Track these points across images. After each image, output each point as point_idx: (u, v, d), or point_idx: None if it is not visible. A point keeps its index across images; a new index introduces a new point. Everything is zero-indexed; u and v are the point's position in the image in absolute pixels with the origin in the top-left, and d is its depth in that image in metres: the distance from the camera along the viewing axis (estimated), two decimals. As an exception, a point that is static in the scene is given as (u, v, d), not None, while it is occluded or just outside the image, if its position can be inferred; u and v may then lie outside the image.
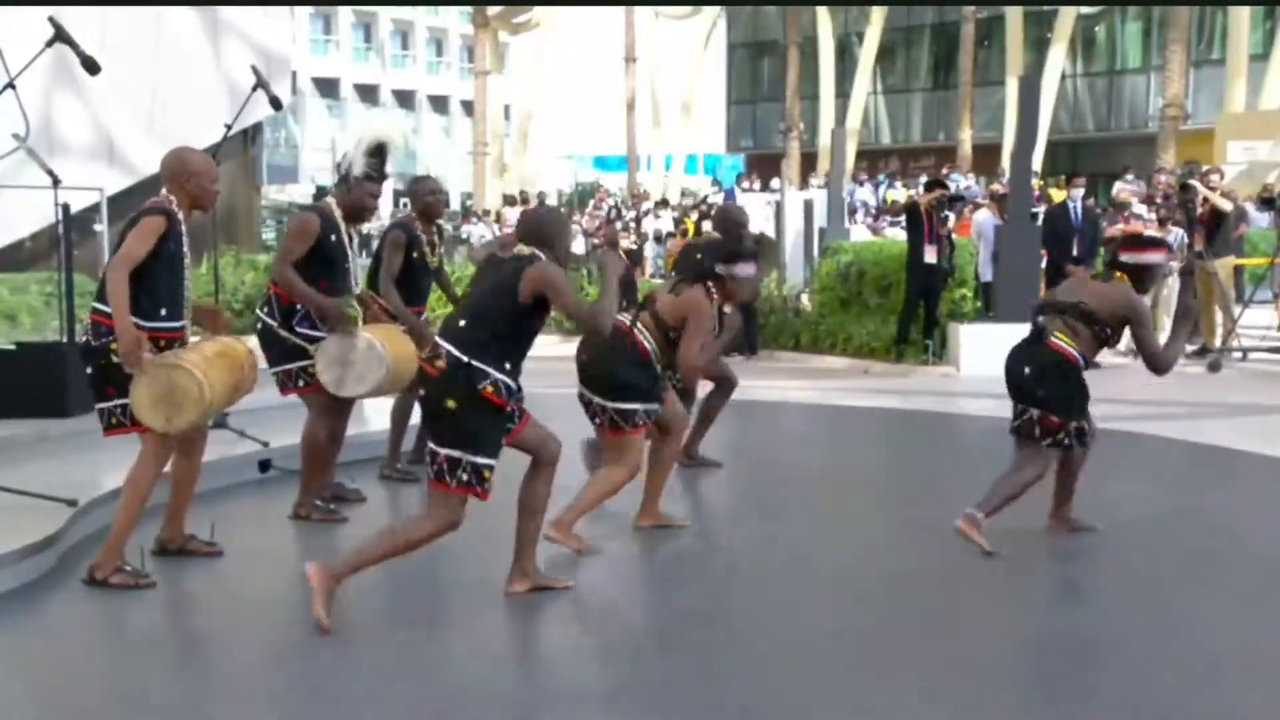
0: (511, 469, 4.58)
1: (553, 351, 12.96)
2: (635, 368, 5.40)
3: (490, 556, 5.10)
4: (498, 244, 4.91)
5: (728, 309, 5.95)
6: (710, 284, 5.66)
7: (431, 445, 4.37)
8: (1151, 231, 5.83)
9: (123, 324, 4.61)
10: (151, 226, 4.73)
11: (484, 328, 4.33)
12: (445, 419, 4.31)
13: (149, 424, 4.72)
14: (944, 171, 23.76)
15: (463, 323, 4.37)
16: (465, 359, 4.28)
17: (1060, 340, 5.37)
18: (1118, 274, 5.45)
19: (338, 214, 5.86)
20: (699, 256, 7.08)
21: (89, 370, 4.84)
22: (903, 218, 14.17)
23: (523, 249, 4.47)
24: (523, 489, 4.68)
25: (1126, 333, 5.50)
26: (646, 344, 5.47)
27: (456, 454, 4.29)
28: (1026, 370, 5.42)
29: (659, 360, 5.52)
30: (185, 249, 4.89)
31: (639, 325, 5.50)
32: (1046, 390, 5.35)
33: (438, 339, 4.38)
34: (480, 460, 4.31)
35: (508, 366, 4.35)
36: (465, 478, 4.30)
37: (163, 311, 4.81)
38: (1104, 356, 11.61)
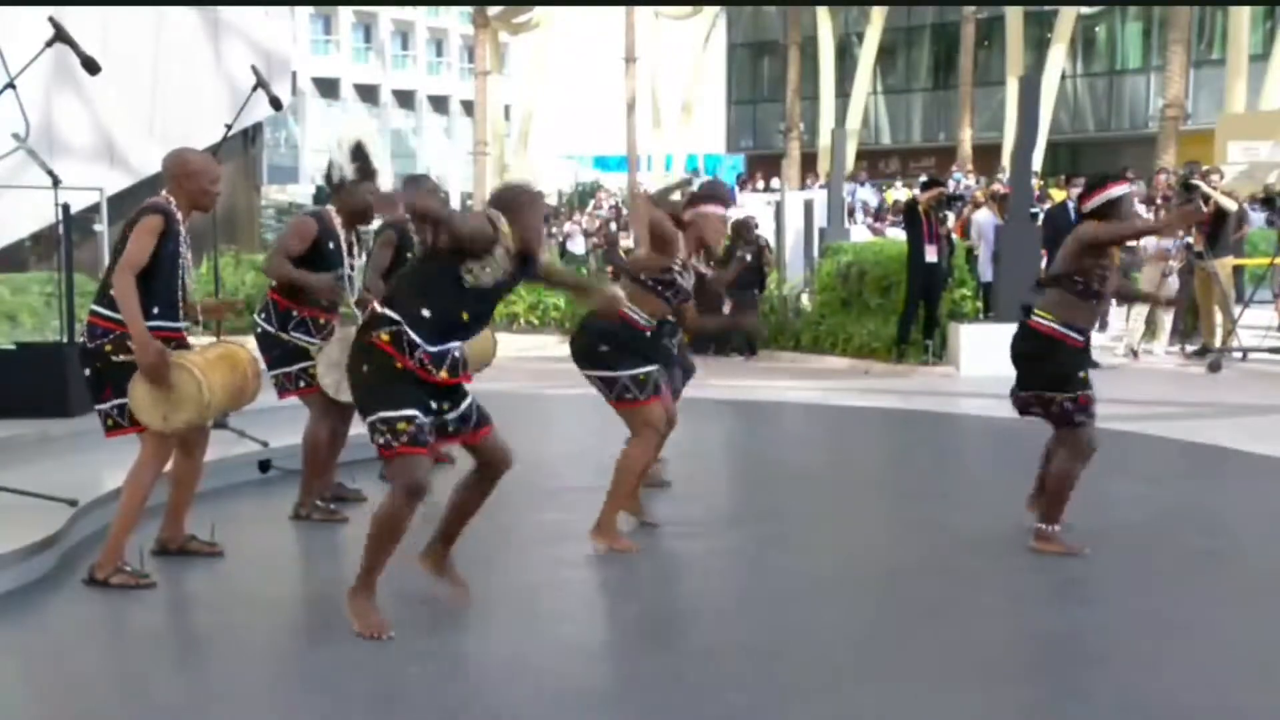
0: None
1: (553, 351, 12.98)
2: (629, 335, 5.34)
3: (490, 557, 5.10)
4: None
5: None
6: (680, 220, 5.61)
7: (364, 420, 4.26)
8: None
9: (139, 332, 4.62)
10: (150, 226, 4.73)
11: (414, 292, 4.20)
12: (359, 382, 4.22)
13: (146, 422, 4.72)
14: (952, 169, 23.78)
15: (394, 293, 4.29)
16: (401, 325, 4.16)
17: (1041, 317, 5.29)
18: (1094, 223, 5.28)
19: (337, 221, 5.86)
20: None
21: (86, 372, 4.84)
22: (902, 217, 14.18)
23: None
24: (464, 486, 4.56)
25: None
26: (636, 317, 5.39)
27: (370, 418, 4.16)
28: (1017, 354, 5.41)
29: (652, 324, 5.45)
30: (185, 249, 4.89)
31: (631, 310, 5.44)
32: (1050, 375, 5.28)
33: (377, 305, 4.31)
34: (389, 414, 4.11)
35: (425, 315, 4.16)
36: (382, 440, 4.13)
37: (156, 310, 4.79)
38: (1104, 357, 11.66)
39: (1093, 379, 5.41)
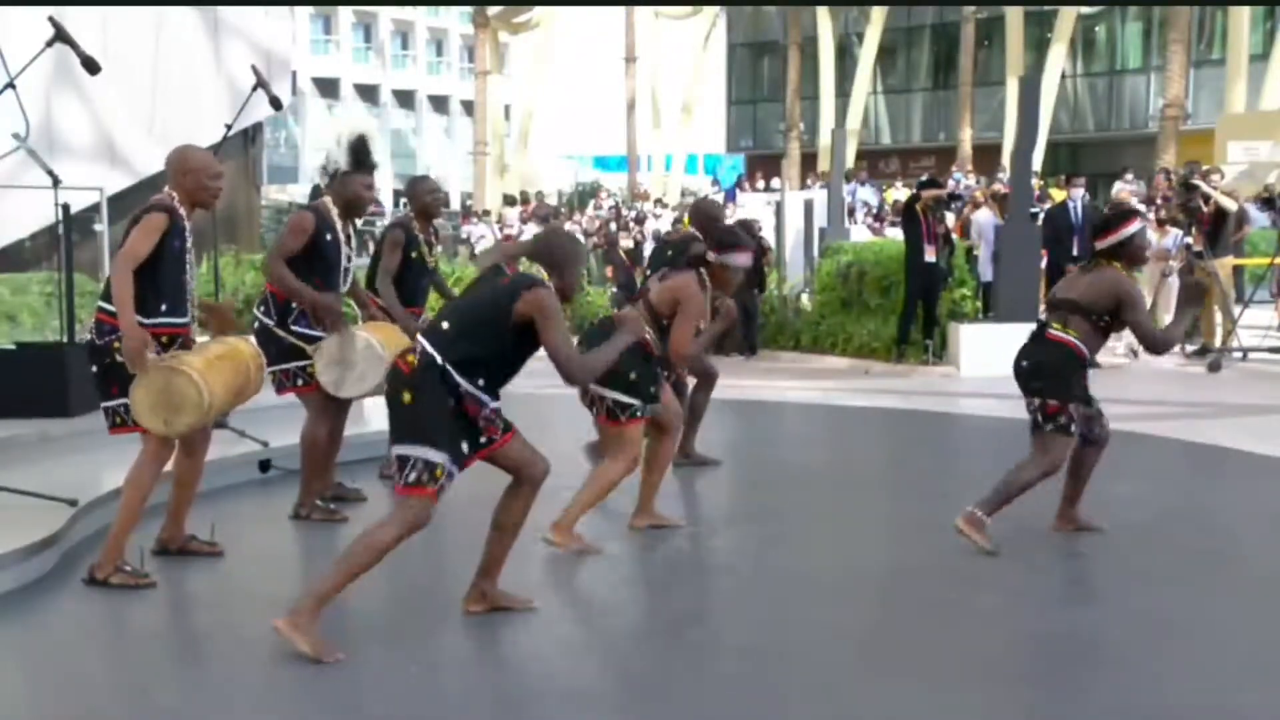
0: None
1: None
2: (634, 360, 5.30)
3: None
4: (501, 253, 4.73)
5: (722, 300, 5.91)
6: (702, 271, 5.63)
7: (390, 446, 4.15)
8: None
9: (127, 322, 4.61)
10: (154, 223, 4.73)
11: (467, 340, 4.09)
12: (400, 412, 4.07)
13: (148, 426, 4.73)
14: (952, 169, 23.77)
15: (446, 326, 4.14)
16: (440, 360, 4.07)
17: (1058, 330, 5.35)
18: (1103, 262, 5.39)
19: (334, 213, 5.85)
20: (669, 253, 7.09)
21: (94, 369, 4.85)
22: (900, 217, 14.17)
23: (526, 267, 4.34)
24: (500, 506, 4.45)
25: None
26: (646, 336, 5.39)
27: (405, 450, 4.04)
28: (1025, 363, 5.42)
29: (657, 349, 5.48)
30: (190, 246, 4.90)
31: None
32: (1044, 379, 5.32)
33: (419, 337, 4.20)
34: (430, 455, 4.02)
35: (481, 383, 4.13)
36: (414, 477, 4.02)
37: (164, 307, 4.81)
38: (1104, 357, 11.65)
39: (1093, 382, 5.44)
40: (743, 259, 5.71)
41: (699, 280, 5.57)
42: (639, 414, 5.39)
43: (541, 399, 8.41)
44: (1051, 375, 5.34)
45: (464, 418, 4.13)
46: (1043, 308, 5.56)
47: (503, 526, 4.45)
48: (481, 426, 4.18)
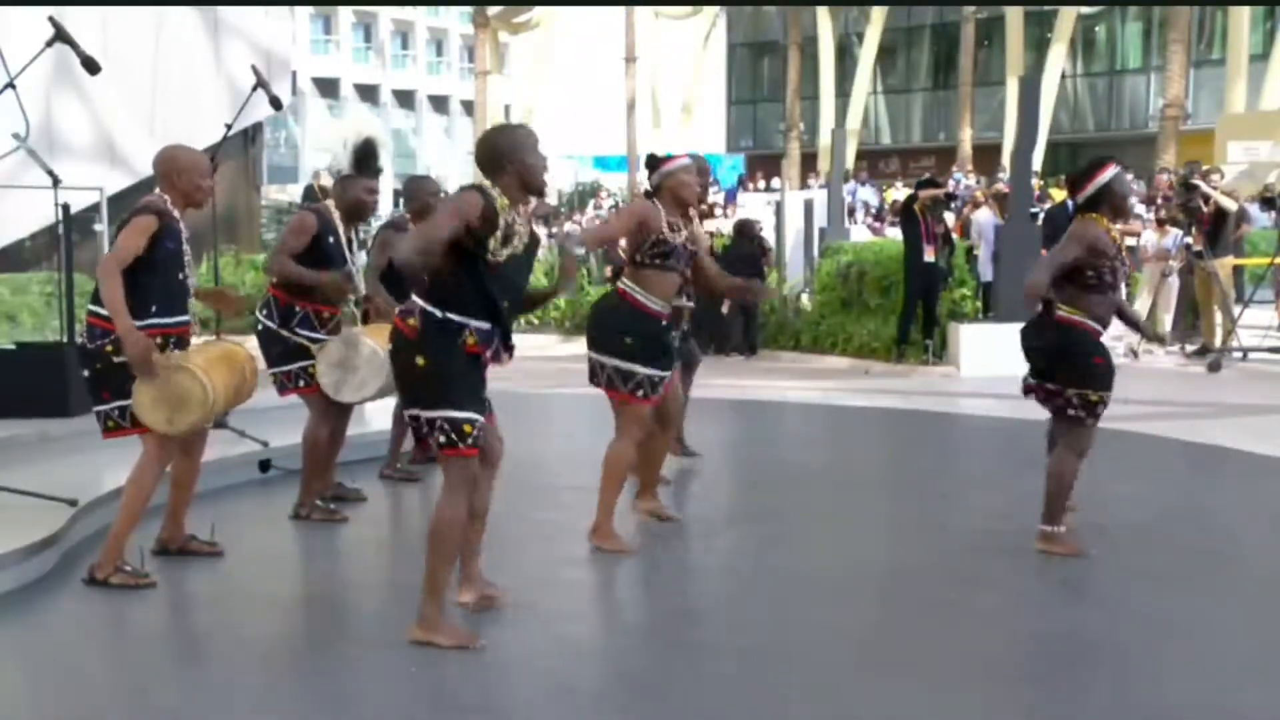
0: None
1: (554, 351, 12.98)
2: (631, 323, 5.25)
3: (488, 556, 5.10)
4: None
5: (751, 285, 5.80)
6: (655, 201, 5.44)
7: (407, 410, 4.08)
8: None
9: (125, 327, 4.58)
10: (142, 225, 4.72)
11: (438, 273, 3.96)
12: (416, 377, 4.01)
13: (150, 424, 4.72)
14: (953, 170, 23.76)
15: (427, 276, 4.03)
16: (440, 314, 3.98)
17: (1064, 310, 5.20)
18: (1086, 216, 5.22)
19: (336, 216, 5.85)
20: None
21: (85, 373, 4.83)
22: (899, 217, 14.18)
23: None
24: None
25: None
26: (645, 301, 5.29)
27: (431, 414, 3.99)
28: (1034, 344, 5.29)
29: (667, 308, 5.35)
30: (185, 247, 4.89)
31: (625, 282, 5.37)
32: (1045, 357, 5.22)
33: (414, 296, 4.08)
34: (456, 414, 3.99)
35: (484, 312, 4.03)
36: (443, 439, 4.01)
37: (153, 308, 4.79)
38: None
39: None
40: (677, 162, 5.53)
41: (650, 203, 5.41)
42: (644, 391, 5.28)
43: (542, 399, 8.41)
44: (1055, 357, 5.19)
45: (475, 367, 4.07)
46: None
47: (472, 513, 4.35)
48: (485, 361, 4.09)
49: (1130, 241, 14.34)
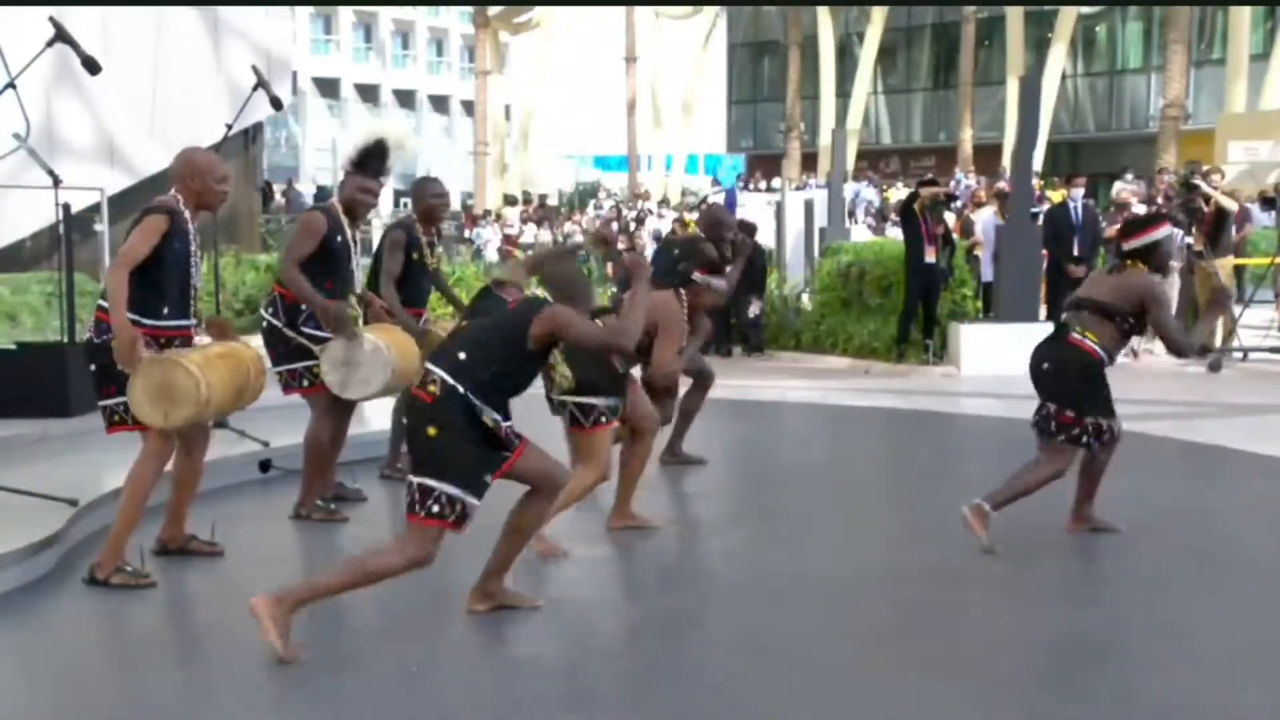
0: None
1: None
2: (588, 361, 5.26)
3: (488, 556, 5.10)
4: (509, 270, 4.64)
5: (699, 322, 5.95)
6: (681, 289, 5.67)
7: (410, 475, 4.11)
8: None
9: (119, 320, 4.60)
10: (154, 225, 4.73)
11: (486, 366, 4.07)
12: (425, 445, 4.06)
13: (147, 420, 4.72)
14: (955, 170, 23.76)
15: (463, 356, 4.09)
16: (461, 389, 4.03)
17: (1081, 335, 5.31)
18: (1129, 263, 5.37)
19: (342, 215, 5.86)
20: (676, 252, 7.10)
21: (91, 368, 4.85)
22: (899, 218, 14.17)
23: (535, 291, 4.31)
24: (516, 510, 4.45)
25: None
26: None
27: (431, 483, 4.02)
28: (1045, 366, 5.38)
29: (621, 366, 5.42)
30: (195, 248, 4.90)
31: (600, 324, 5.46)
32: (1063, 387, 5.31)
33: (430, 365, 4.14)
34: (454, 492, 4.03)
35: (499, 404, 4.14)
36: (437, 510, 4.02)
37: (165, 310, 4.81)
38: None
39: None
40: (722, 284, 5.83)
41: (676, 296, 5.61)
42: (603, 419, 5.32)
43: (541, 399, 8.41)
44: (1072, 384, 5.30)
45: (487, 442, 4.12)
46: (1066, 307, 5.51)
47: (517, 529, 4.45)
48: (503, 444, 4.17)
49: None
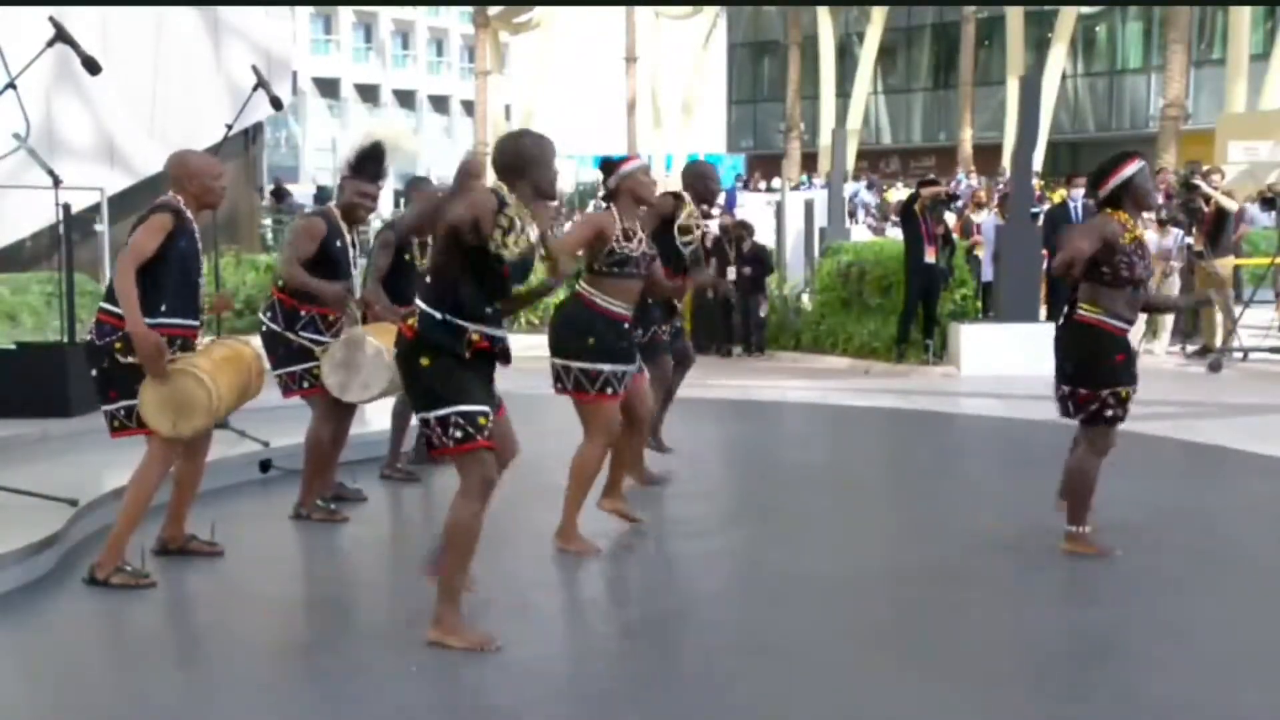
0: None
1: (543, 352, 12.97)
2: (595, 324, 5.27)
3: (487, 556, 5.10)
4: (462, 173, 4.41)
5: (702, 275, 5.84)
6: (611, 206, 5.48)
7: (417, 415, 4.07)
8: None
9: (135, 322, 4.59)
10: (159, 224, 4.74)
11: (451, 284, 3.99)
12: (421, 378, 4.01)
13: (155, 428, 4.72)
14: (956, 171, 23.74)
15: (429, 281, 4.07)
16: (439, 315, 3.99)
17: (1085, 310, 5.20)
18: (1107, 212, 5.21)
19: (340, 219, 5.86)
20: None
21: (93, 371, 4.83)
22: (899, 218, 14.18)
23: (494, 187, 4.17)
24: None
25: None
26: (605, 304, 5.32)
27: (443, 412, 3.98)
28: (1056, 351, 5.30)
29: (630, 311, 5.37)
30: (199, 247, 4.91)
31: (583, 286, 5.39)
32: (1071, 365, 5.21)
33: (416, 300, 4.09)
34: (469, 408, 3.98)
35: (488, 312, 4.05)
36: (459, 434, 3.98)
37: (164, 307, 4.80)
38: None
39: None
40: (633, 163, 5.59)
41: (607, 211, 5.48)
42: (609, 389, 5.29)
43: (541, 399, 8.42)
44: (1075, 358, 5.20)
45: (480, 363, 4.07)
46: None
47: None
48: (494, 355, 4.10)
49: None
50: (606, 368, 5.27)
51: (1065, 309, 5.32)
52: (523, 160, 4.17)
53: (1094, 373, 5.18)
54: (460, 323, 4.01)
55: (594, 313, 5.32)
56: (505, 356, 4.17)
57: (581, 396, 5.30)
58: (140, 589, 4.79)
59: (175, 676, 4.10)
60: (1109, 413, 5.20)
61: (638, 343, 6.26)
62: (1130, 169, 5.20)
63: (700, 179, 7.01)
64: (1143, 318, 12.73)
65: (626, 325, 5.40)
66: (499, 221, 3.98)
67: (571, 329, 5.33)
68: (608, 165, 5.59)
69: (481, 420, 4.01)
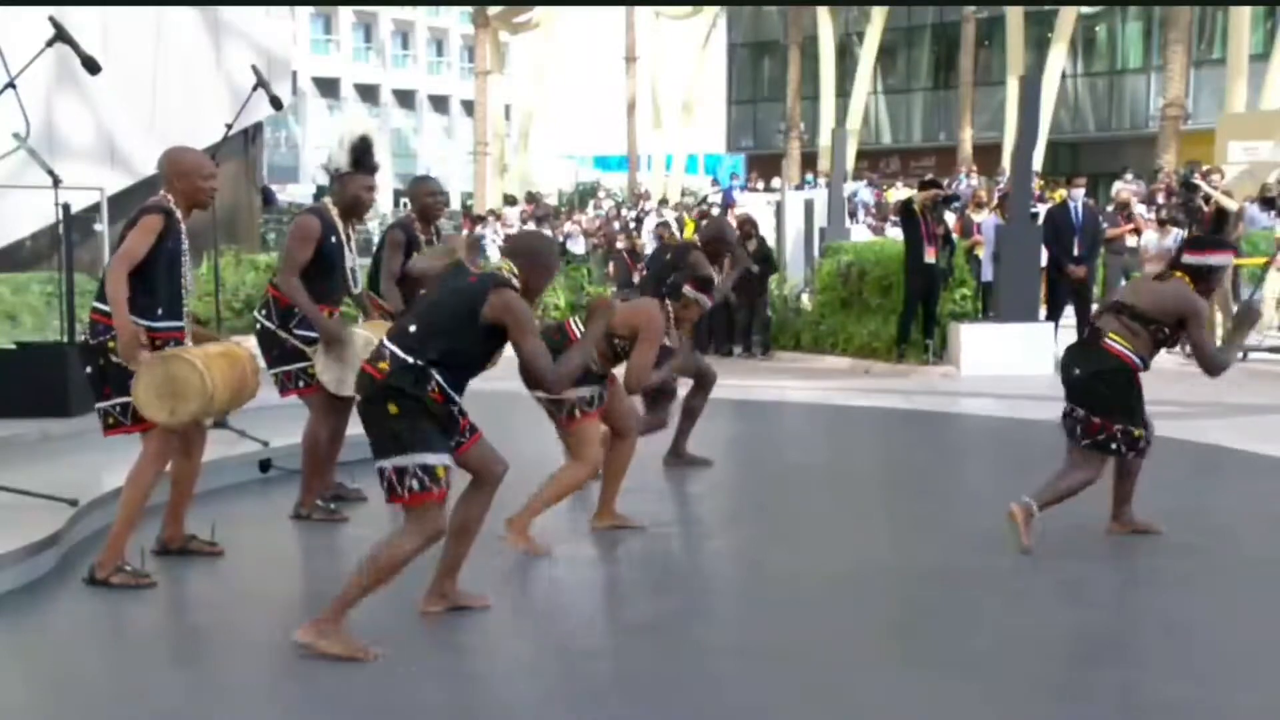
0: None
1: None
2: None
3: (487, 556, 5.10)
4: (461, 245, 4.55)
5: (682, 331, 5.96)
6: (668, 301, 5.67)
7: (377, 462, 4.05)
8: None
9: (121, 320, 4.61)
10: (149, 225, 4.74)
11: (436, 341, 4.02)
12: (387, 425, 4.01)
13: (153, 417, 4.72)
14: (957, 171, 23.72)
15: (413, 329, 4.08)
16: (410, 360, 4.00)
17: (1115, 341, 5.27)
18: (1177, 274, 5.32)
19: (335, 215, 5.85)
20: (668, 258, 7.11)
21: (88, 370, 4.86)
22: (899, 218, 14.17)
23: (498, 265, 4.27)
24: (460, 507, 4.40)
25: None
26: (579, 333, 5.37)
27: (402, 461, 3.98)
28: (1077, 371, 5.35)
29: (597, 368, 5.42)
30: (185, 248, 4.90)
31: (575, 321, 5.47)
32: (1094, 393, 5.27)
33: (384, 341, 4.12)
34: (428, 459, 3.99)
35: (452, 380, 4.09)
36: (417, 485, 3.99)
37: (159, 310, 4.81)
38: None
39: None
40: (708, 302, 5.86)
41: (661, 308, 5.61)
42: (577, 411, 5.34)
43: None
44: (1102, 390, 5.27)
45: (441, 415, 4.09)
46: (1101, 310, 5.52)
47: (463, 527, 4.42)
48: (454, 414, 4.15)
49: (1131, 242, 14.34)
50: (571, 394, 5.28)
51: (1085, 331, 5.38)
52: (537, 258, 4.27)
53: (1114, 407, 5.26)
54: (430, 374, 4.03)
55: (567, 341, 5.33)
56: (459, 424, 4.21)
57: (563, 421, 5.39)
58: (140, 589, 4.79)
59: (175, 676, 4.10)
60: (1114, 445, 5.29)
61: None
62: (1221, 259, 5.39)
63: (717, 241, 7.33)
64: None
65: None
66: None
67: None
68: (700, 283, 5.87)
69: (440, 472, 4.02)
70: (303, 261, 5.69)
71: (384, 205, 35.95)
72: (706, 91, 37.91)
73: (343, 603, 4.08)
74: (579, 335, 5.35)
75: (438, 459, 4.02)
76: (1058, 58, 29.95)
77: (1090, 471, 5.33)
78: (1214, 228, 12.51)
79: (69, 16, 6.10)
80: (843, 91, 34.16)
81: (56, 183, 7.02)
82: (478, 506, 4.43)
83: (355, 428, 6.59)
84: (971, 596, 4.84)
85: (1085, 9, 31.41)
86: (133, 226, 4.77)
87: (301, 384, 5.88)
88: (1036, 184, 17.10)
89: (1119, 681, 3.89)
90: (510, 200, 28.38)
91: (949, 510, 6.40)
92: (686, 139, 36.66)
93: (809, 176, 28.02)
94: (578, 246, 22.31)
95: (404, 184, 25.30)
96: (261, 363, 5.63)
